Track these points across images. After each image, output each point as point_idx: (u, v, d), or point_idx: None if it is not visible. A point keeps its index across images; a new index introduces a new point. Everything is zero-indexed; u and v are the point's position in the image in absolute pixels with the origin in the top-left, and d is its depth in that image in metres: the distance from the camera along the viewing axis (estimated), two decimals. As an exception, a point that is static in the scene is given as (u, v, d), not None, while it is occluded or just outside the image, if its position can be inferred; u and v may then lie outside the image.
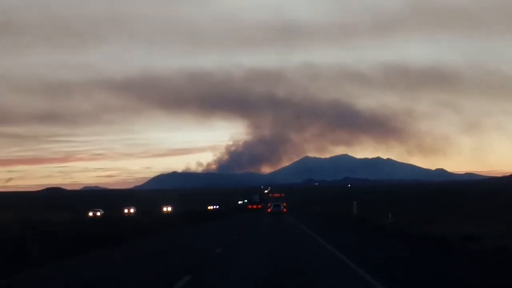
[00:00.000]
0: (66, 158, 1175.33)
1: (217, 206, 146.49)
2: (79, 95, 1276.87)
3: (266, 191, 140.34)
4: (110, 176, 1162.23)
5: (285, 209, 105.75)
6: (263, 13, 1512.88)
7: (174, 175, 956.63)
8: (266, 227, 54.88)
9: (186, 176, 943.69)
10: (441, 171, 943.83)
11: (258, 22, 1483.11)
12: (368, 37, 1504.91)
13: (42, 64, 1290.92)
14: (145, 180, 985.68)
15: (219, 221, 72.12)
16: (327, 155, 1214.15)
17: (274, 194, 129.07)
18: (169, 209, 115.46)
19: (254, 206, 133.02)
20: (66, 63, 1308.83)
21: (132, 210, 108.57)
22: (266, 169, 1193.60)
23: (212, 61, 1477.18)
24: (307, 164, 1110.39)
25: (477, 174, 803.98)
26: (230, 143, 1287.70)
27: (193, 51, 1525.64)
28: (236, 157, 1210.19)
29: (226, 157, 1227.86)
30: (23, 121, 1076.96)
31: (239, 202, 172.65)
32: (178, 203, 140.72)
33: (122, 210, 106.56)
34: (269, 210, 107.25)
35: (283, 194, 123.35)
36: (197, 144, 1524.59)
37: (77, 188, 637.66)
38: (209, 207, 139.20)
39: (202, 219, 74.46)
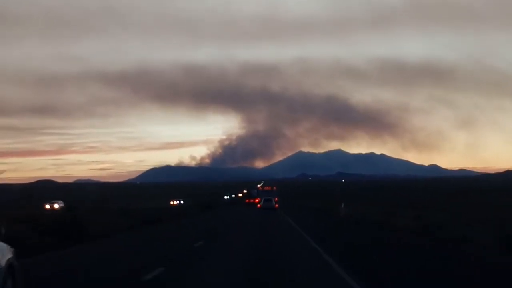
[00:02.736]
0: (60, 150, 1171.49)
1: (181, 201, 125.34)
2: (73, 88, 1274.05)
3: (259, 186, 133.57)
4: (103, 169, 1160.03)
5: (277, 205, 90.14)
6: (258, 7, 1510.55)
7: (167, 169, 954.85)
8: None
9: (179, 170, 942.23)
10: (434, 167, 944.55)
11: (253, 16, 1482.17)
12: (363, 32, 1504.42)
13: (36, 56, 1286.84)
14: (138, 174, 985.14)
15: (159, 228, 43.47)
16: (321, 150, 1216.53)
17: (265, 187, 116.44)
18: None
19: (251, 200, 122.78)
20: (60, 55, 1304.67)
21: (56, 206, 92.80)
22: (259, 164, 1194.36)
23: (206, 54, 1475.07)
24: (301, 159, 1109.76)
25: (470, 170, 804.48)
26: (224, 137, 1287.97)
27: (187, 44, 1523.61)
28: (229, 151, 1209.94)
29: (219, 151, 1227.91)
30: (16, 113, 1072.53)
31: (226, 197, 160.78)
32: (160, 197, 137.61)
33: (43, 205, 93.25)
34: (258, 205, 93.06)
35: (275, 187, 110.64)
36: (190, 138, 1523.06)
37: (70, 181, 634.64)
38: (172, 202, 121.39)
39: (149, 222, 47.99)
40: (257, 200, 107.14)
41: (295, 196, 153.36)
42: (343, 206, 61.94)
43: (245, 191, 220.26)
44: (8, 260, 9.81)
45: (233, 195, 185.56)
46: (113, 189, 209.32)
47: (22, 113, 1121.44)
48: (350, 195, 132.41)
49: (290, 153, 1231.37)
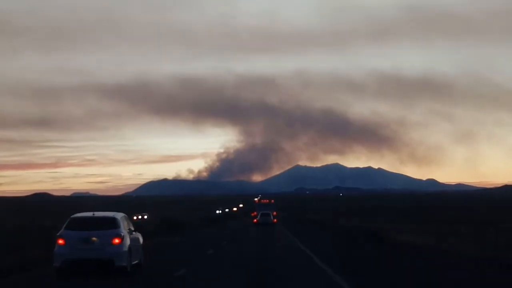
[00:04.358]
0: (57, 163, 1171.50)
1: (145, 216, 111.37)
2: (71, 100, 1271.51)
3: (256, 199, 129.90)
4: (101, 182, 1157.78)
5: (275, 220, 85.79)
6: (256, 19, 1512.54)
7: (164, 182, 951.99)
8: None
9: (176, 183, 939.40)
10: (432, 182, 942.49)
11: (251, 28, 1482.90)
12: (361, 45, 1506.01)
13: (34, 68, 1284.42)
14: (136, 187, 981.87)
15: None
16: (318, 164, 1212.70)
17: (262, 201, 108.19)
18: None
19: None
20: (58, 68, 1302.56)
21: (145, 217, 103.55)
22: (257, 177, 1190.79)
23: (204, 67, 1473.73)
24: (299, 173, 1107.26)
25: (468, 185, 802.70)
26: (221, 150, 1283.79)
27: (186, 57, 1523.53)
28: (227, 165, 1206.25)
29: (217, 164, 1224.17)
30: (14, 125, 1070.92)
31: (217, 212, 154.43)
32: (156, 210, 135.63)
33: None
34: (255, 220, 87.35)
35: (273, 200, 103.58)
36: (188, 151, 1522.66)
37: (67, 194, 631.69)
38: (135, 217, 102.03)
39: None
40: (253, 214, 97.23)
41: (293, 210, 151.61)
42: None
43: (241, 205, 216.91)
44: (139, 240, 24.14)
45: (227, 209, 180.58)
46: (103, 203, 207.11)
47: (20, 126, 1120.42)
48: (348, 209, 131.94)
49: (287, 167, 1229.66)
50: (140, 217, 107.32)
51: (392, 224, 60.10)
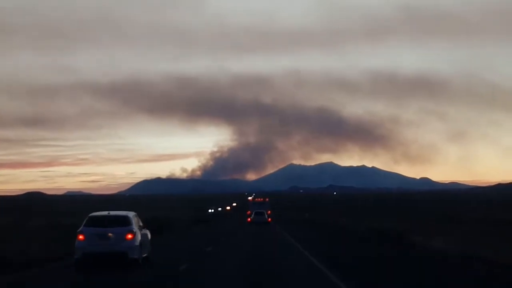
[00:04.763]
0: (51, 162, 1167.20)
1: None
2: (65, 99, 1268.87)
3: (250, 198, 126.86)
4: (94, 181, 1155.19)
5: (269, 218, 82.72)
6: (251, 19, 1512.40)
7: (158, 181, 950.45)
8: None
9: (170, 182, 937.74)
10: (425, 180, 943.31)
11: (245, 28, 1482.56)
12: (355, 44, 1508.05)
13: (28, 67, 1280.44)
14: (129, 186, 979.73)
15: None
16: (312, 163, 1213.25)
17: (256, 199, 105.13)
18: None
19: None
20: (52, 67, 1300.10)
21: None
22: (251, 176, 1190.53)
23: (199, 66, 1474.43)
24: (292, 171, 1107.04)
25: (461, 184, 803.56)
26: (215, 149, 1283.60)
27: (180, 56, 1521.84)
28: (221, 164, 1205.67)
29: (211, 163, 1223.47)
30: (7, 124, 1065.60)
31: (210, 211, 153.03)
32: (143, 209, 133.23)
33: None
34: (248, 219, 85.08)
35: (267, 199, 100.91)
36: (182, 150, 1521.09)
37: (60, 193, 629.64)
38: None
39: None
40: (248, 213, 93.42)
41: (288, 209, 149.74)
42: (307, 215, 72.77)
43: (234, 204, 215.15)
44: (148, 236, 26.78)
45: (220, 208, 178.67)
46: (94, 202, 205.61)
47: (13, 125, 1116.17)
48: (341, 207, 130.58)
49: (281, 166, 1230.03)
50: None
51: (403, 224, 49.39)
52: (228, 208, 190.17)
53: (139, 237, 24.95)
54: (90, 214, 25.50)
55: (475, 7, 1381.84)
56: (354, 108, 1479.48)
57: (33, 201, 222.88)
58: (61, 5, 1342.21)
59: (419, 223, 55.17)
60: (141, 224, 26.39)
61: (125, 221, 24.98)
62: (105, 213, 26.13)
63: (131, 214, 25.82)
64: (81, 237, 24.18)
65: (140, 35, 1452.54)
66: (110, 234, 24.27)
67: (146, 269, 23.87)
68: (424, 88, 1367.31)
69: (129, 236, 24.44)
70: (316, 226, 66.39)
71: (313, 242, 39.58)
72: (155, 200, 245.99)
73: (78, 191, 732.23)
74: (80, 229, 24.61)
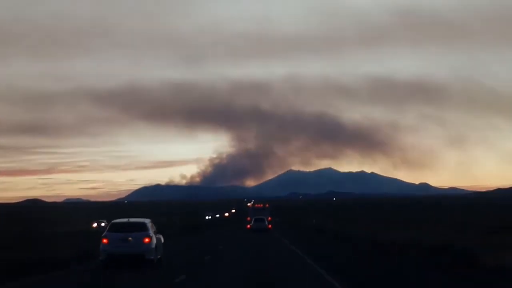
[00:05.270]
0: (50, 170, 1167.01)
1: (102, 224, 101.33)
2: (63, 106, 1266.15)
3: (249, 204, 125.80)
4: (93, 188, 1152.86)
5: (270, 225, 79.85)
6: (248, 25, 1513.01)
7: (157, 188, 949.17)
8: None
9: (169, 189, 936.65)
10: (424, 185, 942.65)
11: (243, 34, 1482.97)
12: (353, 50, 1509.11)
13: (26, 75, 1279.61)
14: (128, 193, 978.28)
15: None
16: (311, 169, 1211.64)
17: (256, 205, 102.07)
18: None
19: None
20: (50, 74, 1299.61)
21: (102, 224, 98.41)
22: (250, 182, 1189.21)
23: (196, 73, 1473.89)
24: (292, 178, 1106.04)
25: (461, 189, 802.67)
26: (214, 155, 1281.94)
27: (178, 62, 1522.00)
28: (220, 170, 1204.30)
29: (210, 169, 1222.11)
30: (6, 132, 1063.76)
31: (207, 217, 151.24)
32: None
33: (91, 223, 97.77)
34: (248, 226, 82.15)
35: (267, 205, 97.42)
36: (181, 157, 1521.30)
37: (59, 200, 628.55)
38: (94, 225, 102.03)
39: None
40: (248, 219, 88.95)
41: (290, 216, 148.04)
42: (314, 221, 75.24)
43: (233, 210, 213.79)
44: (161, 240, 30.23)
45: (217, 215, 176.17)
46: (89, 209, 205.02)
47: (12, 132, 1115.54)
48: (339, 213, 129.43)
49: (280, 172, 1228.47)
50: (95, 224, 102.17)
51: (447, 236, 39.29)
52: (226, 214, 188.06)
53: (154, 241, 28.47)
54: (113, 221, 29.36)
55: (473, 12, 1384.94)
56: (353, 113, 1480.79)
57: (32, 208, 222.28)
58: (59, 13, 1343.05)
59: (461, 233, 45.51)
60: (155, 229, 29.73)
61: (143, 227, 28.57)
62: (125, 220, 29.87)
63: (147, 220, 29.39)
64: (105, 240, 27.77)
65: (138, 42, 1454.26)
66: (130, 238, 27.79)
67: (160, 268, 27.88)
68: (422, 93, 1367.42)
69: (146, 240, 27.98)
70: (335, 238, 53.01)
71: (347, 266, 28.15)
72: (154, 207, 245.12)
73: (77, 198, 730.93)
74: (104, 233, 28.29)
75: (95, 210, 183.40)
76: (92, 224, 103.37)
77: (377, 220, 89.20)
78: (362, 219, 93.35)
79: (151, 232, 28.48)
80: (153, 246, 28.21)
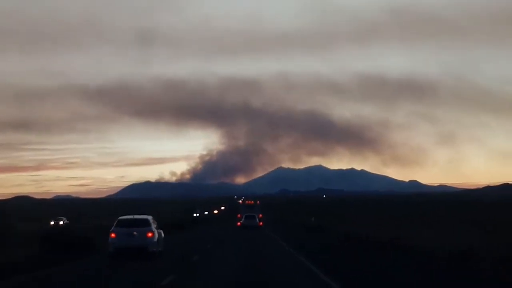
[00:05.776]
0: (39, 166, 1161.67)
1: (61, 222, 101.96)
2: (52, 103, 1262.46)
3: (240, 201, 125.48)
4: (83, 185, 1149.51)
5: (261, 222, 78.74)
6: (239, 22, 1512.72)
7: (147, 185, 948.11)
8: None
9: (159, 186, 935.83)
10: (414, 183, 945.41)
11: (234, 31, 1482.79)
12: (344, 47, 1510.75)
13: (15, 71, 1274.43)
14: (118, 190, 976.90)
15: None
16: (301, 166, 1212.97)
17: (247, 202, 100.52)
18: None
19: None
20: (39, 70, 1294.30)
21: (61, 222, 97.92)
22: (240, 179, 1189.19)
23: (187, 69, 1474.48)
24: (282, 175, 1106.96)
25: (450, 186, 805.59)
26: (204, 152, 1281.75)
27: (168, 59, 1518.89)
28: (210, 167, 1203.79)
29: (200, 166, 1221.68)
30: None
31: (195, 215, 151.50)
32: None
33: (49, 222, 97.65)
34: (238, 223, 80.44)
35: (258, 202, 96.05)
36: (171, 154, 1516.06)
37: (48, 197, 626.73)
38: (52, 223, 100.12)
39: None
40: (239, 216, 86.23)
41: (282, 213, 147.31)
42: (313, 219, 75.63)
43: (222, 208, 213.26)
44: (162, 234, 33.52)
45: (206, 212, 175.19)
46: (77, 206, 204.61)
47: (1, 128, 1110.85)
48: (332, 210, 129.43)
49: (270, 169, 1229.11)
50: (53, 222, 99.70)
51: (481, 240, 35.84)
52: (215, 211, 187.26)
53: (156, 235, 31.81)
54: (119, 218, 32.53)
55: (463, 11, 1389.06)
56: (343, 111, 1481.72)
57: (18, 206, 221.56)
58: (49, 9, 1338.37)
59: (481, 236, 41.86)
60: (156, 225, 32.95)
61: (146, 222, 31.93)
62: (130, 216, 33.04)
63: (150, 217, 32.83)
64: (113, 235, 30.95)
65: (128, 38, 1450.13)
66: (134, 233, 31.07)
67: (161, 259, 30.33)
68: (412, 91, 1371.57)
69: (149, 234, 31.30)
70: (345, 240, 43.73)
71: (347, 266, 25.29)
72: (143, 204, 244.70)
73: (66, 195, 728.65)
74: (112, 229, 31.39)
75: (81, 206, 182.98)
76: (50, 222, 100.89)
77: (381, 216, 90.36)
78: (367, 217, 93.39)
79: (153, 228, 31.87)
80: (155, 240, 31.57)
